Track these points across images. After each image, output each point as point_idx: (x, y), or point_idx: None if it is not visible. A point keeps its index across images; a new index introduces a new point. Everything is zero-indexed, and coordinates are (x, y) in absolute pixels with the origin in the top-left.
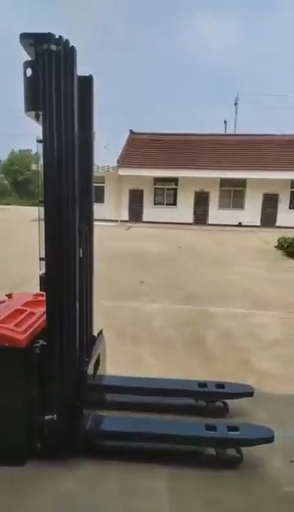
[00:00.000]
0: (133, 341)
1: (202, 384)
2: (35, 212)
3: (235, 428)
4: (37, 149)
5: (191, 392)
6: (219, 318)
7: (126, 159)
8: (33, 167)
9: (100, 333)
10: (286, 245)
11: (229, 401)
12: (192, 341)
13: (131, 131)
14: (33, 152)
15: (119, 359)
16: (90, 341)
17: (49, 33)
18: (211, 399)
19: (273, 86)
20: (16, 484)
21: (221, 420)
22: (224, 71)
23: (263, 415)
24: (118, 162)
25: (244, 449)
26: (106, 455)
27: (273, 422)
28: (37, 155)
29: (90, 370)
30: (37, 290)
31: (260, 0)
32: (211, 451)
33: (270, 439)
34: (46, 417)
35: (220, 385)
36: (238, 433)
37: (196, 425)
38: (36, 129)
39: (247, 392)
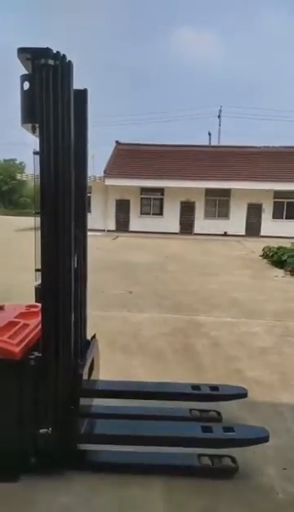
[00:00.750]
0: (123, 350)
1: (196, 387)
2: (21, 222)
3: (231, 429)
4: (33, 161)
5: (185, 394)
6: (207, 327)
7: (112, 170)
8: (18, 176)
9: (94, 337)
10: (271, 254)
11: (221, 409)
12: (182, 350)
13: (117, 142)
14: (17, 161)
15: (109, 368)
16: (84, 345)
17: (47, 48)
18: (205, 401)
19: (255, 98)
20: (8, 500)
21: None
22: (207, 84)
23: (255, 423)
24: (104, 172)
25: (238, 459)
26: (101, 469)
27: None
28: (22, 165)
29: (85, 373)
30: (22, 297)
31: (240, 14)
32: (206, 461)
33: (266, 438)
34: (41, 430)
35: (213, 388)
36: (233, 433)
37: (192, 427)
38: (22, 139)
39: (241, 394)
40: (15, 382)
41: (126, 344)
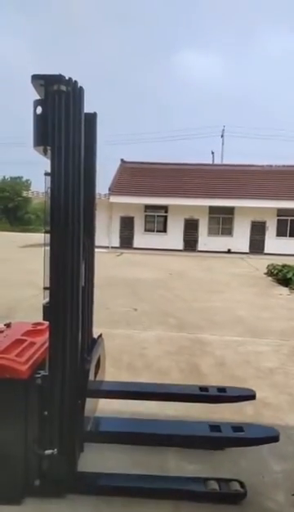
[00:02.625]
0: (128, 369)
1: (204, 389)
2: (26, 238)
3: (240, 429)
4: (44, 181)
5: (193, 396)
6: (213, 346)
7: (117, 187)
8: (24, 193)
9: (100, 336)
10: (275, 272)
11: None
12: (188, 370)
13: (122, 160)
14: (24, 179)
15: None
16: (90, 343)
17: (59, 75)
18: (212, 403)
19: (257, 118)
20: None
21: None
22: (210, 104)
23: (262, 446)
24: (109, 190)
25: (246, 483)
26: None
27: (274, 454)
28: (28, 182)
29: (91, 371)
30: (24, 312)
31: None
32: (213, 485)
33: (276, 438)
34: (46, 452)
35: (221, 389)
36: (242, 433)
37: (200, 426)
38: (26, 158)
39: (249, 396)
40: (22, 401)
41: (130, 363)
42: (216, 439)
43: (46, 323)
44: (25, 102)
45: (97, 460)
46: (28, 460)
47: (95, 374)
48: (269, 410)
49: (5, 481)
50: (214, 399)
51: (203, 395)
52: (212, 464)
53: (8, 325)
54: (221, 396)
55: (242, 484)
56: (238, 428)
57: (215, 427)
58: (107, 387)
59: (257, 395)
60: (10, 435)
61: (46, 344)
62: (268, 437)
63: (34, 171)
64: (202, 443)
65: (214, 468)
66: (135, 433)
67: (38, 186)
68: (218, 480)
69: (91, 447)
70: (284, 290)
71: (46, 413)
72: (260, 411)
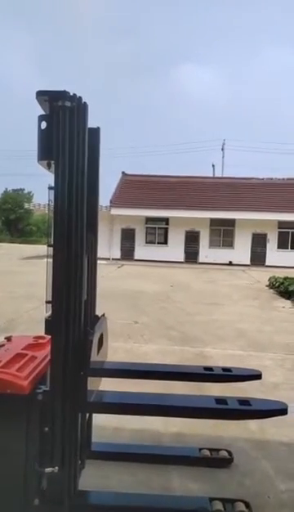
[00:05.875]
0: (129, 384)
1: (209, 369)
2: (27, 250)
3: (247, 403)
4: (48, 195)
5: (197, 375)
6: (215, 360)
7: (118, 200)
8: (26, 205)
9: (103, 315)
10: (277, 284)
11: (232, 448)
12: (192, 384)
13: (123, 172)
14: (26, 191)
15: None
16: (93, 321)
17: (64, 91)
18: (217, 382)
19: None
20: None
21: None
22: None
23: (267, 464)
24: (110, 202)
25: (252, 503)
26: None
27: (279, 472)
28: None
29: (94, 345)
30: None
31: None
32: (218, 505)
33: (284, 411)
34: (47, 469)
35: (226, 369)
36: (250, 406)
37: (206, 399)
38: (26, 169)
39: (255, 375)
40: (22, 417)
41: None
42: (222, 411)
43: (48, 337)
44: (27, 115)
45: (99, 477)
46: (27, 478)
47: (98, 351)
48: (273, 427)
49: (3, 500)
50: (219, 378)
51: (208, 374)
52: (217, 483)
53: (9, 339)
54: (226, 375)
55: (247, 504)
56: (244, 401)
57: (221, 400)
58: (107, 366)
59: None
60: (9, 452)
61: (48, 358)
62: (276, 409)
63: (37, 183)
64: (207, 414)
65: (218, 488)
66: (139, 405)
67: (41, 198)
68: (223, 500)
69: (93, 464)
70: (286, 303)
71: (46, 429)
72: (263, 427)
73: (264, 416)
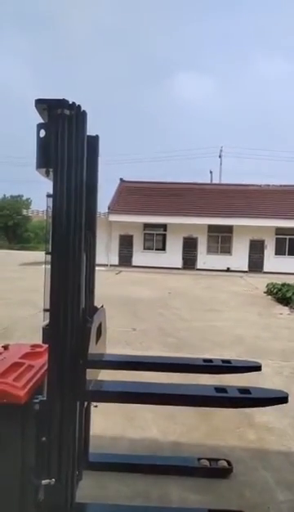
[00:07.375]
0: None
1: (208, 360)
2: (25, 256)
3: (247, 391)
4: (46, 203)
5: (196, 366)
6: None
7: (116, 206)
8: (24, 212)
9: (102, 306)
10: (275, 291)
11: (231, 458)
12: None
13: (121, 179)
14: (24, 198)
15: (116, 413)
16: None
17: (63, 99)
18: (216, 373)
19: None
20: None
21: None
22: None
23: (267, 474)
24: (108, 208)
25: None
26: None
27: (280, 483)
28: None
29: (93, 333)
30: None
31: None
32: None
33: (284, 399)
34: (43, 482)
35: (225, 361)
36: (250, 394)
37: (205, 388)
38: (24, 176)
39: (254, 367)
40: (18, 428)
41: None
42: (222, 399)
43: (45, 345)
44: (25, 122)
45: (96, 489)
46: (23, 491)
47: (97, 340)
48: (272, 435)
49: None
50: (218, 370)
51: (207, 365)
52: (216, 494)
53: (6, 347)
54: (225, 366)
55: None
56: (244, 390)
57: (221, 389)
58: (105, 358)
59: (259, 419)
60: (5, 464)
61: (45, 367)
62: (276, 397)
63: (35, 190)
64: (207, 403)
65: (218, 498)
66: (139, 393)
67: (39, 204)
68: (222, 511)
69: (90, 475)
70: (284, 310)
71: (43, 439)
72: (262, 436)
73: (264, 404)
